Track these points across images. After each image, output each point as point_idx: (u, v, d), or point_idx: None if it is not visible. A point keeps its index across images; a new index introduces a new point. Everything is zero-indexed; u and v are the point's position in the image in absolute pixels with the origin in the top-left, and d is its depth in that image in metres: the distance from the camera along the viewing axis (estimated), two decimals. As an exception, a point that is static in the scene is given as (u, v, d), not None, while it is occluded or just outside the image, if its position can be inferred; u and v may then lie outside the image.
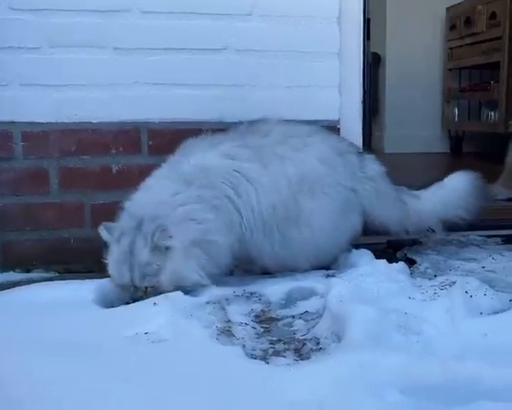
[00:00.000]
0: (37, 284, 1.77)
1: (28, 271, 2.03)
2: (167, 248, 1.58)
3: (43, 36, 2.00)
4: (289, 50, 2.13)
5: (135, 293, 1.57)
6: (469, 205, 1.94)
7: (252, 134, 1.84)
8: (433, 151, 5.13)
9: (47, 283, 1.80)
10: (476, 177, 1.97)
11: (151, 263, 1.56)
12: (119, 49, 2.05)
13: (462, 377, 1.05)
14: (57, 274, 2.02)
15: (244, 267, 1.90)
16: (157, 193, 1.69)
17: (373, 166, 1.94)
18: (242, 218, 1.75)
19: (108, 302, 1.61)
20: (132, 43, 2.05)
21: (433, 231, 2.00)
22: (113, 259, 1.61)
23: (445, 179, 2.00)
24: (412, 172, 4.13)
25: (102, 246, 1.64)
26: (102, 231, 1.63)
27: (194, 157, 1.76)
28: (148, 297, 1.54)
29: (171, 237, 1.58)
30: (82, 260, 2.06)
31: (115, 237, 1.61)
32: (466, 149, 5.17)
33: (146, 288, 1.57)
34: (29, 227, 2.07)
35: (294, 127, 1.90)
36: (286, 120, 1.92)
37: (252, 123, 1.88)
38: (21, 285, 1.73)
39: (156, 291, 1.57)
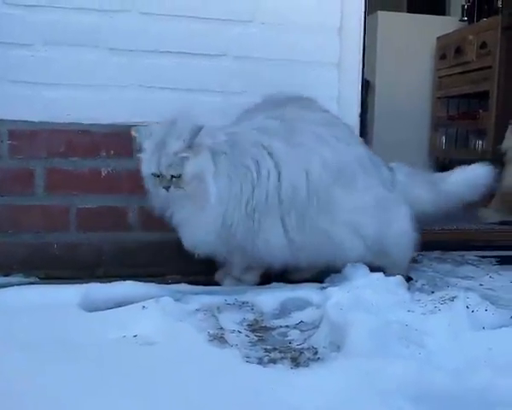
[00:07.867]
0: (20, 286, 1.69)
1: (6, 275, 1.92)
2: (198, 146, 1.66)
3: (37, 33, 1.94)
4: (287, 59, 2.08)
5: (162, 181, 1.65)
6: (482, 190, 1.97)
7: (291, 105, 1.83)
8: (420, 178, 5.12)
9: (29, 285, 1.73)
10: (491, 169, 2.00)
11: (179, 154, 1.64)
12: (115, 50, 1.99)
13: (474, 385, 0.99)
14: (38, 279, 1.92)
15: (236, 275, 1.84)
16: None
17: (400, 177, 1.91)
18: (253, 195, 1.70)
19: (93, 307, 1.53)
20: (128, 45, 1.99)
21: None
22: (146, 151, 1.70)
23: (467, 167, 2.03)
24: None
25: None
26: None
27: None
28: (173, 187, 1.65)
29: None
30: (65, 266, 1.98)
31: (147, 134, 1.71)
32: (452, 177, 5.17)
33: (172, 177, 1.65)
34: (11, 230, 1.98)
35: (336, 119, 1.89)
36: None
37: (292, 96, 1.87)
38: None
39: (179, 184, 1.65)
